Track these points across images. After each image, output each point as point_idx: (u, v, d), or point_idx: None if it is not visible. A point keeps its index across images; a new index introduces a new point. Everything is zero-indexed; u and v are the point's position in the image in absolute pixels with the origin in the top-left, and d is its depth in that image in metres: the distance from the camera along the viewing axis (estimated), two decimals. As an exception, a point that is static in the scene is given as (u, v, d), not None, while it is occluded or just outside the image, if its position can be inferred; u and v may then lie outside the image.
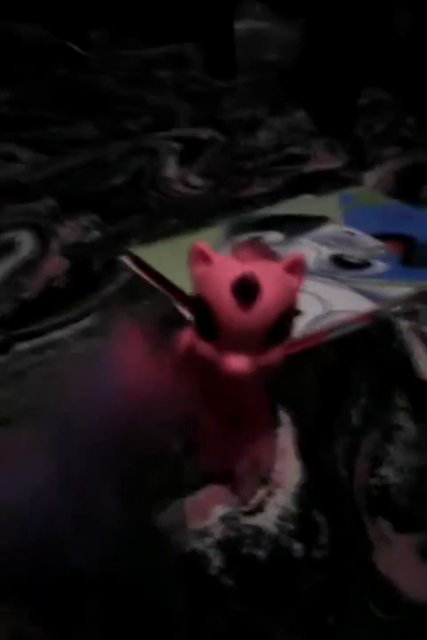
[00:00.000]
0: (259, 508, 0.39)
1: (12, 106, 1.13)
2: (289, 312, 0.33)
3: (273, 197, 0.78)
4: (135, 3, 1.41)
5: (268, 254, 0.33)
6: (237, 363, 0.32)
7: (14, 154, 0.91)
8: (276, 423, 0.44)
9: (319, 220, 0.68)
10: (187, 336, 0.39)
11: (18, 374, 0.51)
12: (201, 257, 0.33)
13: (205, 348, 0.33)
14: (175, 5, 1.35)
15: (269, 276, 0.31)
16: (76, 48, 1.38)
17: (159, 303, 0.58)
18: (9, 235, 0.71)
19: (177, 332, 0.43)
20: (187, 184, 0.83)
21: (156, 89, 1.16)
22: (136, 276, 0.63)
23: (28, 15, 1.46)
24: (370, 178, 0.83)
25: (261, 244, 0.40)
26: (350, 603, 0.34)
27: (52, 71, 1.30)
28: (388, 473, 0.41)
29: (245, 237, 0.65)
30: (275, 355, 0.33)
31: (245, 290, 0.30)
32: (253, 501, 0.39)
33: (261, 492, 0.40)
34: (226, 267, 0.32)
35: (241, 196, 0.79)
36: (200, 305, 0.33)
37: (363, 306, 0.55)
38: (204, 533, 0.37)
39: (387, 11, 1.10)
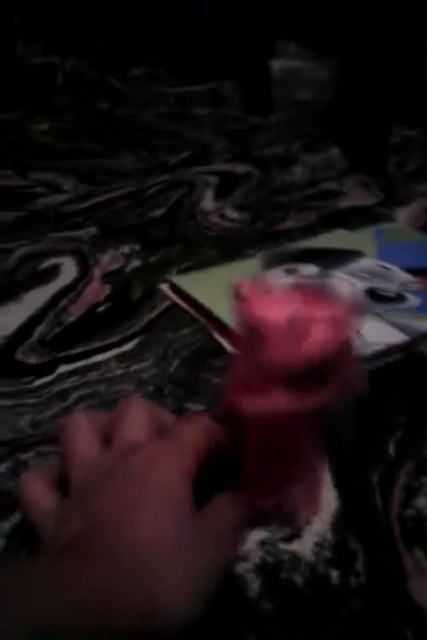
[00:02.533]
0: (296, 535, 0.40)
1: (55, 136, 1.17)
2: (338, 357, 0.33)
3: (308, 231, 0.79)
4: (174, 42, 1.46)
5: (325, 295, 0.34)
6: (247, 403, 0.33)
7: (58, 183, 0.95)
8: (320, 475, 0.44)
9: (354, 254, 0.70)
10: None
11: (61, 394, 0.53)
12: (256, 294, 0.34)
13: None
14: (212, 45, 1.39)
15: (320, 318, 0.32)
16: (117, 83, 1.43)
17: (198, 331, 0.60)
18: (53, 260, 0.73)
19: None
20: (223, 216, 0.85)
21: (193, 125, 1.20)
22: (175, 305, 0.65)
23: (72, 50, 1.53)
24: (403, 214, 0.84)
25: (321, 285, 0.40)
26: (387, 631, 0.35)
27: (93, 105, 1.35)
28: (423, 504, 0.42)
29: (281, 269, 0.67)
30: (317, 398, 0.33)
31: (293, 327, 0.32)
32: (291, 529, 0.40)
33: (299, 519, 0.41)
34: (279, 301, 0.33)
35: (277, 229, 0.81)
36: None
37: (398, 339, 0.56)
38: (242, 557, 0.38)
39: (419, 50, 1.12)
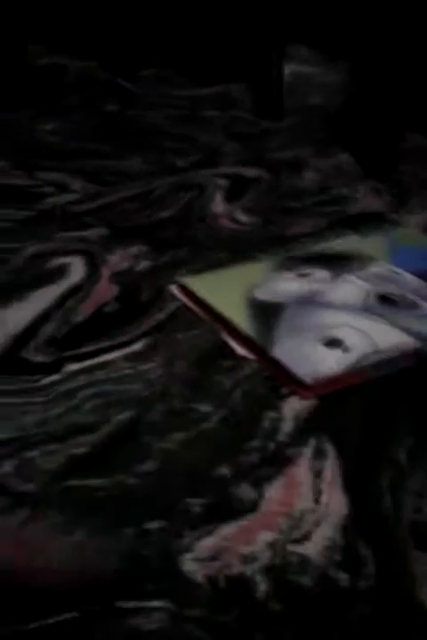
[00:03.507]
0: (306, 537, 0.39)
1: (63, 137, 1.17)
2: None
3: (318, 236, 0.79)
4: (185, 44, 1.46)
5: None
6: None
7: (66, 183, 0.94)
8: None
9: (366, 259, 0.69)
10: None
11: (68, 393, 0.52)
12: None
13: None
14: (223, 47, 1.39)
15: None
16: (126, 84, 1.43)
17: (206, 333, 0.60)
18: (61, 260, 0.73)
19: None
20: (233, 220, 0.84)
21: (203, 127, 1.20)
22: (184, 306, 0.64)
23: (81, 51, 1.53)
24: (415, 221, 0.84)
25: None
26: (396, 636, 0.34)
27: (102, 106, 1.35)
28: (434, 511, 0.41)
29: (293, 273, 0.67)
30: None
31: None
32: (301, 531, 0.40)
33: (308, 522, 0.40)
34: None
35: (287, 234, 0.80)
36: None
37: (409, 345, 0.56)
38: (250, 558, 0.38)
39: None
